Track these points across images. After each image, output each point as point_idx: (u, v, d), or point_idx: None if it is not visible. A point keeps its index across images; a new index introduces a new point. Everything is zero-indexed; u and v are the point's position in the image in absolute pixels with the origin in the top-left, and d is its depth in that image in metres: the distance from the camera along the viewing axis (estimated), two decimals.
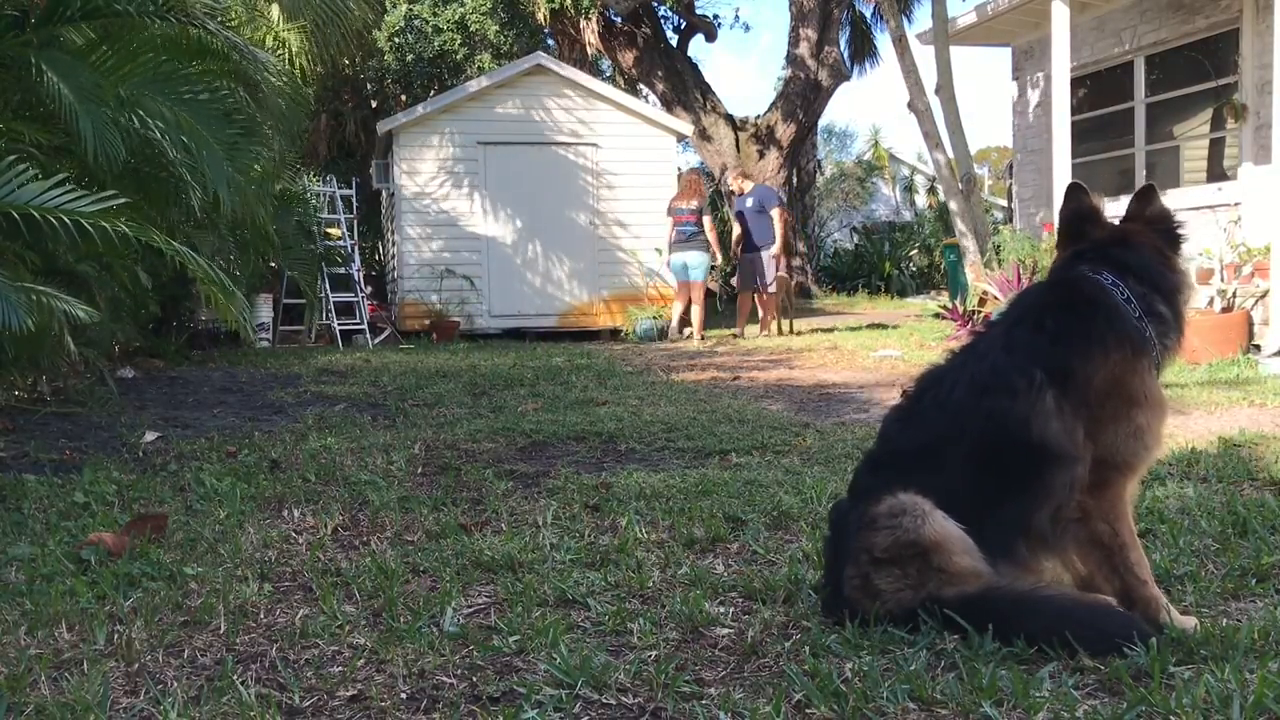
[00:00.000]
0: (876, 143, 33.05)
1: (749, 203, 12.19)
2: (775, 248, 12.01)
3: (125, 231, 4.13)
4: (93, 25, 5.48)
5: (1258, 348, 7.83)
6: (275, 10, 9.09)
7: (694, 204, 11.99)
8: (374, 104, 20.44)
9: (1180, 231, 2.29)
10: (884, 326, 12.83)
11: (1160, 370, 2.18)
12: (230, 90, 6.32)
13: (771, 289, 12.22)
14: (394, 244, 14.10)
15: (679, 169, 15.33)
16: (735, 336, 12.16)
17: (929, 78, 11.07)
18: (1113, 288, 2.16)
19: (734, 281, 13.72)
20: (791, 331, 12.38)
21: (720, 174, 18.18)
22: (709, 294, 13.14)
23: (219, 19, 5.69)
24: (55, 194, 4.04)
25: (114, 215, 4.10)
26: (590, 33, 17.70)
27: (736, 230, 12.42)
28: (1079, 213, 2.32)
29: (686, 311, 12.41)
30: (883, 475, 2.20)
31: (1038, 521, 2.12)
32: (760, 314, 12.58)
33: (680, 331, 12.65)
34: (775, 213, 12.04)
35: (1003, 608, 2.02)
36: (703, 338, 12.11)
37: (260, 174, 6.73)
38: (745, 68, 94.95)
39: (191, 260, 4.50)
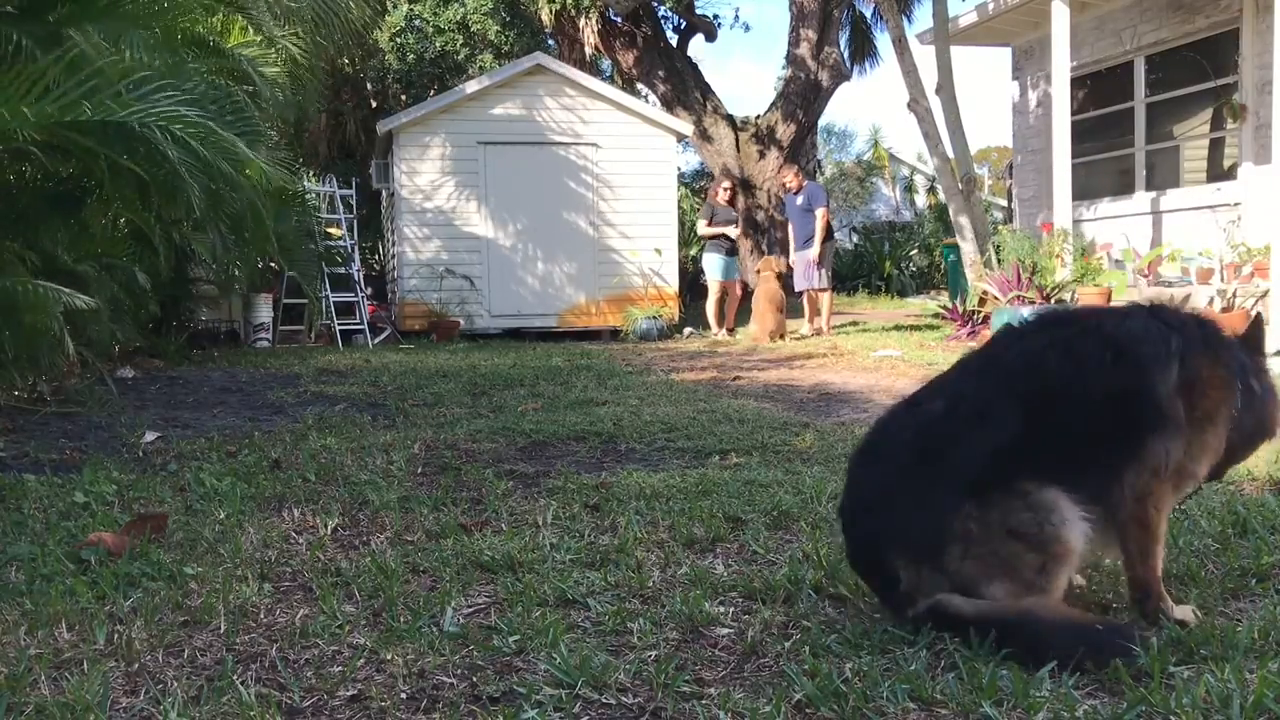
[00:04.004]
0: (876, 143, 33.07)
1: (799, 200, 12.03)
2: (813, 251, 11.80)
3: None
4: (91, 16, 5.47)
5: None
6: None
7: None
8: (374, 104, 20.45)
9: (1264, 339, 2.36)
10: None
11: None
12: (227, 89, 6.32)
13: (821, 287, 12.12)
14: (394, 244, 14.10)
15: (679, 169, 15.32)
16: (805, 337, 11.99)
17: (929, 78, 11.08)
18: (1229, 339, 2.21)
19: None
20: (829, 329, 12.26)
21: (719, 174, 18.19)
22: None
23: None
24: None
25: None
26: (590, 33, 17.69)
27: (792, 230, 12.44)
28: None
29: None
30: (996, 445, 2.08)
31: (1128, 479, 2.08)
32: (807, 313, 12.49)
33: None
34: (819, 212, 11.82)
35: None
36: (729, 331, 12.63)
37: (259, 172, 6.73)
38: (763, 71, 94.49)
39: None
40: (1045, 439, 2.07)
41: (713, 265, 12.53)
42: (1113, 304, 7.87)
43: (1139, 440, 2.08)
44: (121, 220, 6.92)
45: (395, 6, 20.09)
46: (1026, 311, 8.17)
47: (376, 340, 12.58)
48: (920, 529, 2.07)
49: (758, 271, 12.47)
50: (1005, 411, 2.10)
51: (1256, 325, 2.35)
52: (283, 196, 9.74)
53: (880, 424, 2.33)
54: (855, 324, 13.70)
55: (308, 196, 13.16)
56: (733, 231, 12.50)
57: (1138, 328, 2.15)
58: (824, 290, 12.06)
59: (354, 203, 14.25)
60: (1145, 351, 2.10)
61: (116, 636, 2.16)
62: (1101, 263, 9.76)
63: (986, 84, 61.21)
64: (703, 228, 12.58)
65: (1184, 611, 2.15)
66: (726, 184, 13.03)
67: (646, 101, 17.24)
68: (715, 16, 21.52)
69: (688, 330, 13.38)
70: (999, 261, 10.26)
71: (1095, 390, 2.10)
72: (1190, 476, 2.16)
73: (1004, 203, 20.65)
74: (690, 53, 20.00)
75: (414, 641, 2.12)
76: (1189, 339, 2.15)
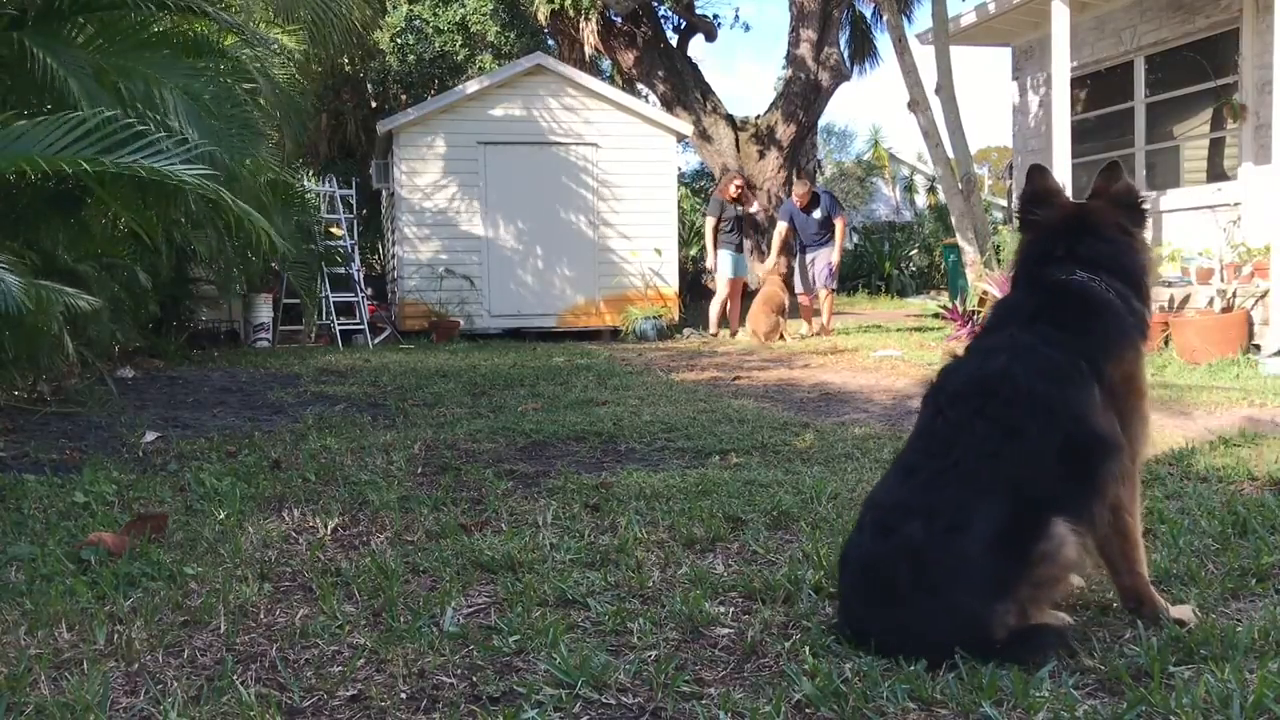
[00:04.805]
0: (876, 143, 33.07)
1: (817, 214, 12.02)
2: (836, 256, 12.06)
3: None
4: (92, 19, 5.46)
5: (1258, 348, 7.83)
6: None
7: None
8: (374, 104, 20.45)
9: (1144, 206, 2.36)
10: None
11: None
12: (229, 87, 6.32)
13: (831, 288, 12.29)
14: (394, 244, 14.10)
15: (679, 169, 15.27)
16: (805, 337, 12.04)
17: (929, 78, 11.07)
18: (1105, 290, 2.18)
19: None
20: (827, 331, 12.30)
21: (720, 174, 18.18)
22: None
23: (218, 5, 5.70)
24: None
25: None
26: (590, 33, 17.68)
27: (781, 230, 12.40)
28: (1036, 195, 2.37)
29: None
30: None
31: (1099, 514, 2.09)
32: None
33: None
34: (839, 221, 12.12)
35: None
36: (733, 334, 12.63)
37: (256, 171, 6.73)
38: (764, 71, 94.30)
39: None
40: (1023, 507, 2.02)
41: (723, 263, 12.47)
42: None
43: (1096, 472, 2.07)
44: (121, 220, 6.91)
45: (395, 7, 20.10)
46: None
47: (376, 340, 12.58)
48: (960, 643, 1.96)
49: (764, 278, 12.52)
50: (980, 509, 2.02)
51: (1116, 175, 2.34)
52: (283, 197, 9.75)
53: (861, 560, 2.11)
54: (861, 327, 13.68)
55: (308, 196, 13.18)
56: (756, 208, 12.70)
57: (1049, 367, 2.10)
58: (829, 290, 12.13)
59: (354, 203, 14.25)
60: (1070, 396, 2.08)
61: (116, 636, 2.16)
62: None
63: (986, 84, 61.25)
64: (710, 228, 12.56)
65: (1183, 611, 2.16)
66: (738, 181, 12.91)
67: (646, 101, 17.23)
68: (715, 16, 21.52)
69: (687, 330, 13.37)
70: (999, 261, 10.26)
71: (1050, 455, 2.06)
72: (1142, 456, 2.21)
73: (1004, 203, 20.66)
74: (690, 53, 20.00)
75: (414, 641, 2.12)
76: (1092, 343, 2.12)
